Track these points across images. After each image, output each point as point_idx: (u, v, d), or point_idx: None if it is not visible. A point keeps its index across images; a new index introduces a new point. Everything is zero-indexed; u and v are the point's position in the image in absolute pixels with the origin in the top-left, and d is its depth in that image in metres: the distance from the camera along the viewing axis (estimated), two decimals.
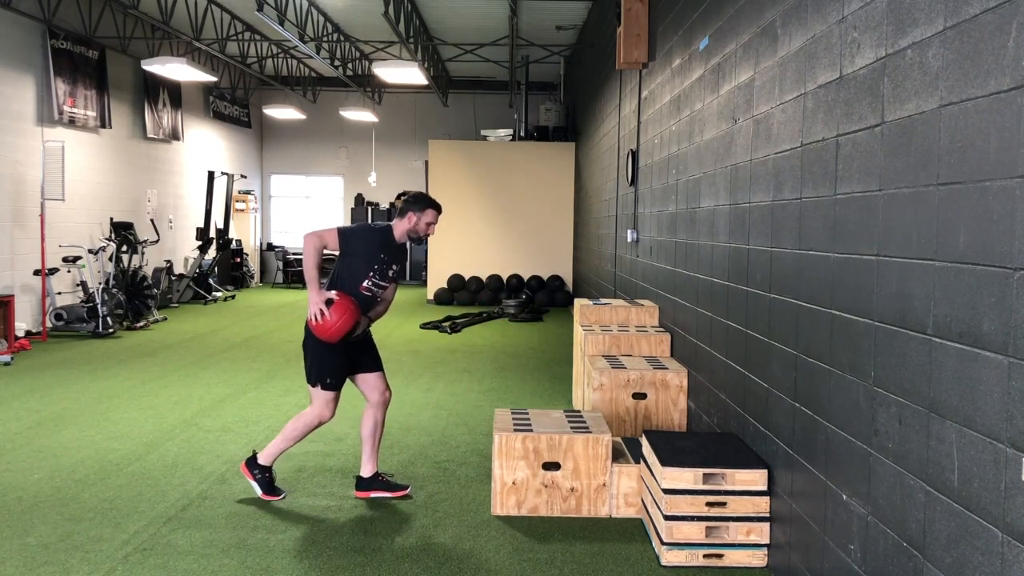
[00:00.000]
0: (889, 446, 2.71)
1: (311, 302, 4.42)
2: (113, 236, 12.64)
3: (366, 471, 4.81)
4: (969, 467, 2.26)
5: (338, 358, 4.59)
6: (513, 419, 4.81)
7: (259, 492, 4.70)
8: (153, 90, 14.98)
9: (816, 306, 3.34)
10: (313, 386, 4.60)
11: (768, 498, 3.87)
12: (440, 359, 9.48)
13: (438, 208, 4.71)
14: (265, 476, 4.72)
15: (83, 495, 4.74)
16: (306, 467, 5.31)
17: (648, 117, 7.43)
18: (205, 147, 17.80)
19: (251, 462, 4.76)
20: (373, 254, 4.60)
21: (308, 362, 4.63)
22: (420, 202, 4.66)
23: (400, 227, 4.67)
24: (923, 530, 2.49)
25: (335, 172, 21.70)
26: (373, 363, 4.80)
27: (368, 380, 4.77)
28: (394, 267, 4.70)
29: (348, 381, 4.76)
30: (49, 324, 11.01)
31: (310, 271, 4.48)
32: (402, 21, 12.53)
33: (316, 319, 4.39)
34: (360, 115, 18.64)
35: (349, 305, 4.46)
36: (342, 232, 4.57)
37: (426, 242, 16.25)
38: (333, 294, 4.47)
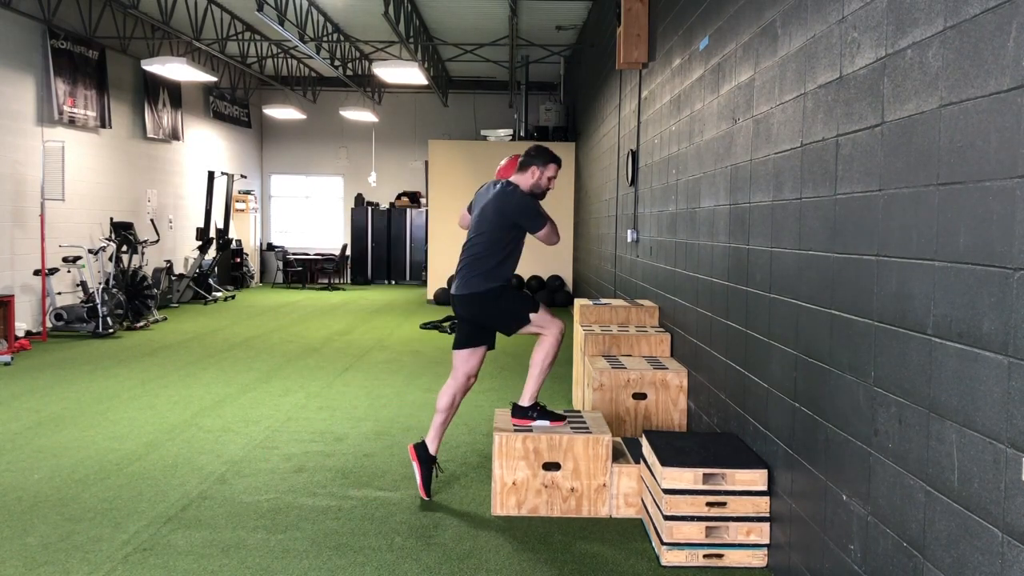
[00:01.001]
0: (889, 446, 2.71)
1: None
2: (113, 236, 12.64)
3: (432, 446, 4.80)
4: (969, 467, 2.26)
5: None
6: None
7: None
8: (153, 90, 14.98)
9: (816, 306, 3.34)
10: (526, 323, 4.63)
11: (768, 498, 3.87)
12: (440, 359, 9.48)
13: (559, 162, 4.73)
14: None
15: (83, 495, 4.74)
16: (306, 467, 5.31)
17: (648, 117, 7.43)
18: (205, 147, 17.80)
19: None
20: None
21: (503, 315, 4.68)
22: (542, 156, 4.67)
23: (524, 182, 4.67)
24: (923, 530, 2.49)
25: (335, 172, 21.70)
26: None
27: (480, 354, 4.83)
28: None
29: (461, 352, 4.81)
30: (49, 324, 11.01)
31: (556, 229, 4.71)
32: (402, 21, 12.53)
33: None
34: (360, 115, 18.64)
35: None
36: (540, 211, 4.63)
37: (427, 241, 16.25)
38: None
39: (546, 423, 4.64)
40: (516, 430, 4.56)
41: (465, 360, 4.78)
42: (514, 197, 4.62)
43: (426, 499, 4.72)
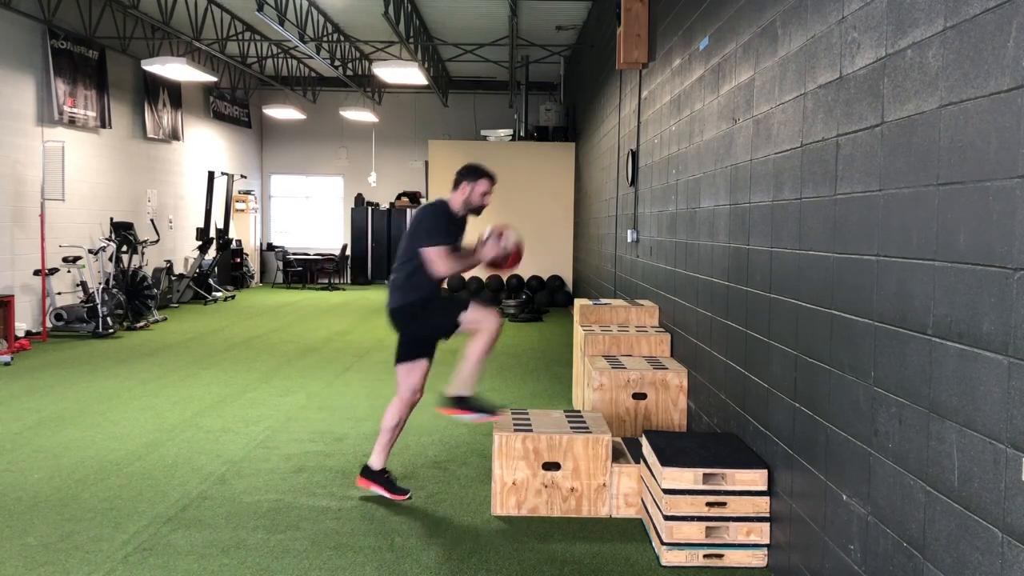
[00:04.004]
0: (889, 446, 2.71)
1: (493, 252, 4.57)
2: (113, 236, 12.64)
3: (376, 463, 4.79)
4: (969, 467, 2.26)
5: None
6: (513, 419, 4.81)
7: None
8: (153, 90, 14.98)
9: (816, 306, 3.34)
10: (456, 327, 4.58)
11: (768, 498, 3.87)
12: (440, 359, 9.41)
13: (492, 177, 4.68)
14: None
15: (83, 495, 4.75)
16: (306, 467, 5.31)
17: (648, 117, 7.43)
18: (205, 147, 17.80)
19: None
20: (451, 233, 4.62)
21: (430, 326, 4.67)
22: (473, 172, 4.65)
23: (456, 199, 4.65)
24: (923, 530, 2.49)
25: (335, 172, 21.69)
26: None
27: (420, 367, 4.81)
28: (460, 238, 4.73)
29: (395, 367, 4.85)
30: (49, 324, 11.01)
31: (461, 264, 4.57)
32: (402, 21, 12.53)
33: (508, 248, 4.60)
34: (360, 115, 18.64)
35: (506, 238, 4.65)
36: (437, 232, 4.52)
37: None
38: (494, 240, 4.60)
39: (471, 416, 4.64)
40: (453, 417, 4.71)
41: (406, 374, 4.80)
42: (422, 210, 4.67)
43: (406, 499, 4.73)
